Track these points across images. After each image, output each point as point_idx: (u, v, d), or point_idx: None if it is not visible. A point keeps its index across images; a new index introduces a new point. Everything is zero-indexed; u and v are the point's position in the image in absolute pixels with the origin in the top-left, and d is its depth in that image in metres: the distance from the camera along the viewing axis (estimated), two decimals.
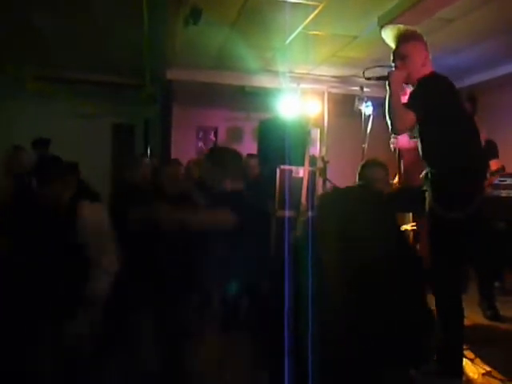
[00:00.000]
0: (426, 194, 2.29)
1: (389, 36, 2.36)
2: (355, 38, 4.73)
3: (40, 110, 5.94)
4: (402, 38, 2.31)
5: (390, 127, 2.24)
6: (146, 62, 5.13)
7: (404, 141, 3.33)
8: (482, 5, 3.84)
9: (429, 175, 2.27)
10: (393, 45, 2.36)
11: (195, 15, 3.63)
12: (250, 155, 4.99)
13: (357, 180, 2.80)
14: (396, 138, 3.42)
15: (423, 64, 2.27)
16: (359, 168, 2.80)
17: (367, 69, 2.45)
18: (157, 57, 5.13)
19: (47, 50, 5.13)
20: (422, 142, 2.30)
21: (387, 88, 2.26)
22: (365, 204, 2.21)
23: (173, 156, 6.26)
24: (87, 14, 4.05)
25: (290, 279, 2.17)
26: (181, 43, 4.86)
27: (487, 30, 4.42)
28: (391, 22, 4.02)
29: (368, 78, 2.42)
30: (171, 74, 6.01)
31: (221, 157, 2.47)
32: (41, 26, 4.36)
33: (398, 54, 2.31)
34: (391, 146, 3.54)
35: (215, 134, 6.80)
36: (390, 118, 2.22)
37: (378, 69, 2.45)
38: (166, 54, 5.23)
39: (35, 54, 5.34)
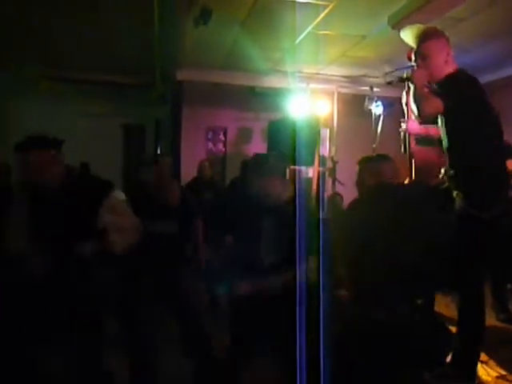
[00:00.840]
0: (455, 194, 2.26)
1: (408, 36, 2.36)
2: (364, 37, 4.71)
3: (50, 110, 5.98)
4: (422, 37, 2.29)
5: (415, 113, 2.24)
6: (156, 62, 5.15)
7: (414, 126, 3.27)
8: (492, 4, 3.80)
9: (454, 174, 2.24)
10: (413, 44, 2.34)
11: (205, 15, 3.63)
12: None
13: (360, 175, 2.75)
14: (405, 122, 3.35)
15: (446, 61, 2.25)
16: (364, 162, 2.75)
17: (387, 73, 2.46)
18: (167, 57, 5.14)
19: (58, 50, 5.17)
20: (448, 137, 2.27)
21: (410, 85, 2.26)
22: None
23: (183, 157, 6.28)
24: (98, 14, 4.08)
25: (301, 278, 2.17)
26: (191, 43, 4.87)
27: (497, 30, 4.38)
28: (401, 21, 4.00)
29: (389, 83, 2.42)
30: (181, 75, 6.02)
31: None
32: (51, 26, 4.39)
33: (420, 54, 2.30)
34: (401, 131, 3.48)
35: (224, 135, 6.81)
36: (415, 103, 2.22)
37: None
38: (175, 54, 5.24)
39: (46, 54, 5.38)
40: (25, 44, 5.00)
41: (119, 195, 2.25)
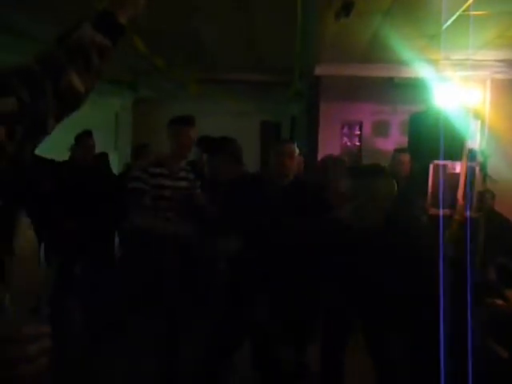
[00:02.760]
0: None
1: None
2: None
3: (198, 110, 6.53)
4: None
5: None
6: (296, 59, 5.25)
7: None
8: None
9: None
10: None
11: (347, 7, 3.58)
12: (400, 150, 4.72)
13: None
14: None
15: None
16: None
17: None
18: (307, 53, 5.21)
19: (205, 53, 5.59)
20: None
21: None
22: None
23: (320, 152, 6.31)
24: (243, 15, 4.31)
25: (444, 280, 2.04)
26: (330, 37, 4.86)
27: None
28: None
29: None
30: (319, 70, 6.03)
31: None
32: (199, 31, 4.77)
33: None
34: None
35: (360, 129, 6.64)
36: None
37: None
38: (315, 49, 5.28)
39: (194, 58, 5.87)
40: (176, 48, 5.53)
41: None
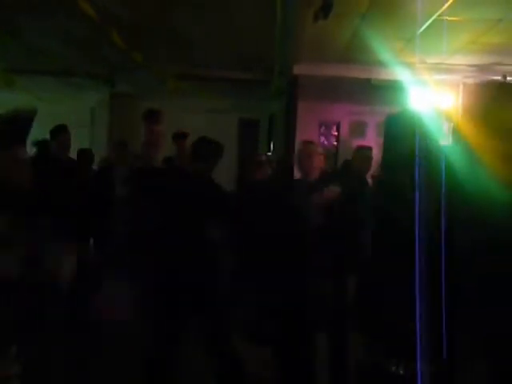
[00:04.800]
0: None
1: None
2: (500, 21, 4.28)
3: (176, 106, 6.48)
4: None
5: None
6: (276, 57, 5.27)
7: None
8: None
9: None
10: None
11: (326, 9, 3.60)
12: (364, 147, 4.84)
13: None
14: None
15: None
16: None
17: None
18: (286, 52, 5.24)
19: (186, 49, 5.55)
20: None
21: None
22: None
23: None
24: (223, 14, 4.30)
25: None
26: (309, 38, 4.89)
27: None
28: None
29: None
30: (298, 69, 6.07)
31: None
32: (180, 26, 4.74)
33: None
34: None
35: (337, 129, 6.71)
36: None
37: None
38: (294, 49, 5.31)
39: (173, 54, 5.82)
40: (155, 44, 5.47)
41: None
